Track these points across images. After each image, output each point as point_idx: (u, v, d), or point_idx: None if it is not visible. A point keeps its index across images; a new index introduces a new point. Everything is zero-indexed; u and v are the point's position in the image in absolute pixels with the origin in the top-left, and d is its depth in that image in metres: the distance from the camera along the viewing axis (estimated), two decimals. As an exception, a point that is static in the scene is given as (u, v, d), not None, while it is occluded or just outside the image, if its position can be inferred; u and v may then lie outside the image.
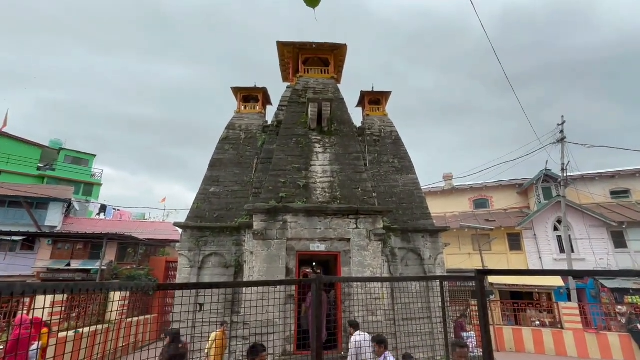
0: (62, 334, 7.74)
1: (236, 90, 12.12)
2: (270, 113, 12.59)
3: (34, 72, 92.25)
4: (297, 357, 6.91)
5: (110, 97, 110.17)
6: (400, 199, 10.70)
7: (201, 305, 8.00)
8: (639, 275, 3.11)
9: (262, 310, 6.40)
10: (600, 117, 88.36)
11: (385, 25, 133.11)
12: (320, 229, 8.26)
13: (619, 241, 17.16)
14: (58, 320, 8.53)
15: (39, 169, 24.83)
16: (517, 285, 16.01)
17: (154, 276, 16.38)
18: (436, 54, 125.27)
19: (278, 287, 6.81)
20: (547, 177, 19.80)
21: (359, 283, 7.77)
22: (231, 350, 7.88)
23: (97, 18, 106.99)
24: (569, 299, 14.84)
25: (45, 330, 6.28)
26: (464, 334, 9.45)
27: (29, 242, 16.63)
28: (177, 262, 9.75)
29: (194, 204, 9.99)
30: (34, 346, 5.65)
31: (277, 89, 11.78)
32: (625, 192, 19.82)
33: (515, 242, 18.66)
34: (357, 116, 13.18)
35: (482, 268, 15.19)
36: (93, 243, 16.83)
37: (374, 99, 12.67)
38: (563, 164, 16.18)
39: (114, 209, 26.31)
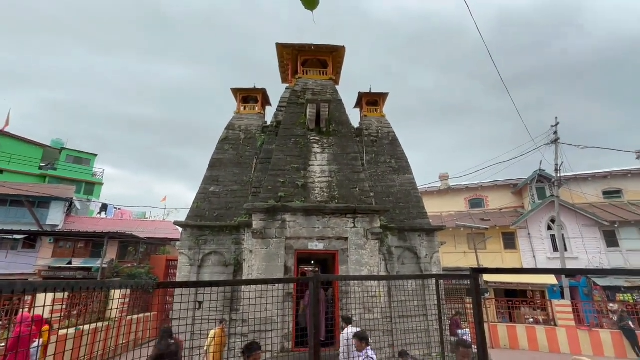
0: (63, 332, 7.84)
1: (236, 91, 12.23)
2: (270, 114, 12.72)
3: (34, 72, 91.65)
4: (295, 354, 7.04)
5: (110, 97, 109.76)
6: (397, 198, 10.86)
7: (201, 303, 8.14)
8: (630, 274, 3.28)
9: (261, 308, 6.53)
10: (600, 117, 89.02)
11: (385, 27, 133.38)
12: (319, 228, 8.41)
13: (611, 240, 17.45)
14: (59, 318, 8.60)
15: (40, 168, 24.79)
16: (511, 283, 16.24)
17: (155, 274, 16.49)
18: (436, 55, 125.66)
19: (277, 285, 6.95)
20: (541, 178, 20.04)
21: (356, 281, 7.94)
22: (230, 347, 8.01)
23: (97, 18, 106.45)
24: (562, 297, 15.10)
25: (46, 327, 6.34)
26: (459, 331, 9.59)
27: (31, 240, 16.67)
28: (177, 260, 9.84)
29: (194, 203, 10.10)
30: (35, 344, 5.70)
31: (277, 90, 11.91)
32: (618, 192, 20.14)
33: (509, 241, 18.90)
34: (355, 117, 13.33)
35: (477, 266, 15.36)
36: (94, 242, 16.91)
37: (371, 100, 12.80)
38: (557, 164, 16.46)
39: (115, 208, 26.28)
